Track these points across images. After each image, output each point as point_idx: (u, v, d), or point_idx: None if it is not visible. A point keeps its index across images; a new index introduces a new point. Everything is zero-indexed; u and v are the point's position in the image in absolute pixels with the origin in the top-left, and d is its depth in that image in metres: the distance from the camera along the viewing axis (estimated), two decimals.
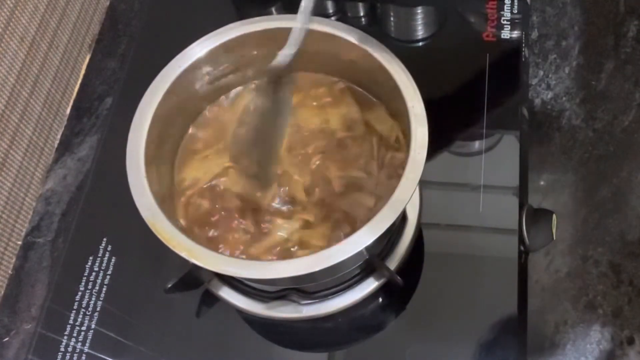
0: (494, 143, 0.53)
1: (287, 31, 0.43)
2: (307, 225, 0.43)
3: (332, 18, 0.61)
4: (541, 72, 0.59)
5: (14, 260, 0.55)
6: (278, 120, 0.43)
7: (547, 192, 0.54)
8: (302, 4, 0.40)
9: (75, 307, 0.50)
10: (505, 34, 0.58)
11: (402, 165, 0.39)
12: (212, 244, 0.42)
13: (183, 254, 0.37)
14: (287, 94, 0.43)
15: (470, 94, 0.55)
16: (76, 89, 0.63)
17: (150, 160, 0.41)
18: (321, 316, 0.46)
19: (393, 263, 0.46)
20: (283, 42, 0.43)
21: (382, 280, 0.46)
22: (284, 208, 0.43)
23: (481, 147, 0.53)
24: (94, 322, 0.49)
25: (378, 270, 0.46)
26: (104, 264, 0.52)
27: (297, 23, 0.40)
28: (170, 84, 0.43)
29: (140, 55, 0.62)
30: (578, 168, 0.55)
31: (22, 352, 0.51)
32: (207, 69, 0.45)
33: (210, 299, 0.49)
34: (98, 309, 0.50)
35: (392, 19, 0.61)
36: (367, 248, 0.37)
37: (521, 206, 0.50)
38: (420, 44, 0.60)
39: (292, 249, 0.42)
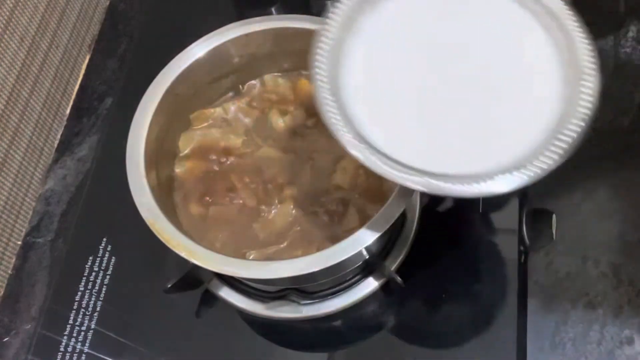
0: None
1: (286, 31, 0.43)
2: None
3: None
4: None
5: (14, 260, 0.55)
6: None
7: (547, 192, 0.54)
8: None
9: (75, 307, 0.50)
10: None
11: None
12: None
13: (183, 254, 0.37)
14: None
15: None
16: (76, 89, 0.63)
17: (151, 160, 0.41)
18: (321, 316, 0.46)
19: (393, 263, 0.46)
20: (282, 42, 0.43)
21: (382, 280, 0.46)
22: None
23: None
24: (94, 322, 0.49)
25: (378, 270, 0.46)
26: (104, 264, 0.52)
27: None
28: (170, 84, 0.43)
29: (140, 55, 0.62)
30: (578, 168, 0.55)
31: (22, 352, 0.51)
32: (206, 69, 0.45)
33: (210, 299, 0.49)
34: (98, 309, 0.50)
35: None
36: (367, 248, 0.37)
37: (521, 206, 0.50)
38: None
39: None
